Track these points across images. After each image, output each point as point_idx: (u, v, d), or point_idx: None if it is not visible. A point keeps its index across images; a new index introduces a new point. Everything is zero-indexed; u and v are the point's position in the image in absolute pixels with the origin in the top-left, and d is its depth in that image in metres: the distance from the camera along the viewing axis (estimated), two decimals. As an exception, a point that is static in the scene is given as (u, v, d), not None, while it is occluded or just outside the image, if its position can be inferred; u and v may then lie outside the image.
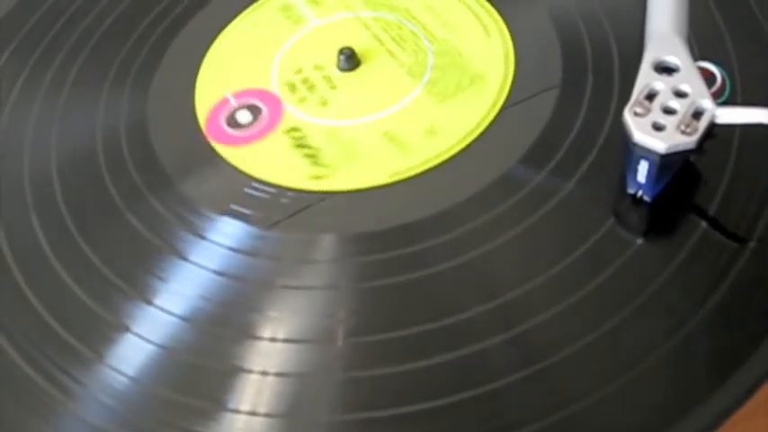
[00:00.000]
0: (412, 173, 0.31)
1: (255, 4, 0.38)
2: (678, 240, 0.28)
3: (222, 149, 0.33)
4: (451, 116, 0.33)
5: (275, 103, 0.34)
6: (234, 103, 0.34)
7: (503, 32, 0.35)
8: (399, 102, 0.34)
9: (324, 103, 0.34)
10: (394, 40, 0.36)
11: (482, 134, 0.32)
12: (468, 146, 0.31)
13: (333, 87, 0.35)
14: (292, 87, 0.35)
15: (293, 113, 0.34)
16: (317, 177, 0.31)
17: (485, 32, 0.35)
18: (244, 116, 0.34)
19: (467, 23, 0.36)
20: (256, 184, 0.32)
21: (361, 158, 0.32)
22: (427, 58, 0.35)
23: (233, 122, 0.34)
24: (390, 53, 0.35)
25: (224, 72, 0.36)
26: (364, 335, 0.27)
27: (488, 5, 0.36)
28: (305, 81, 0.35)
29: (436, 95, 0.33)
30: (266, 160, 0.32)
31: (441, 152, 0.31)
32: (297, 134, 0.33)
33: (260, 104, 0.34)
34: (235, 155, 0.33)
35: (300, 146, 0.33)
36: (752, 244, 0.27)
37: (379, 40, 0.36)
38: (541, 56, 0.34)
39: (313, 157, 0.32)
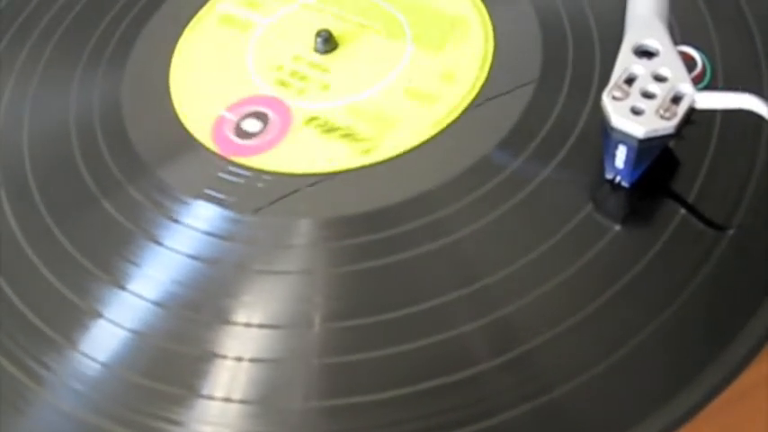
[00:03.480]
0: (388, 156, 0.31)
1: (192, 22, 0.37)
2: (656, 227, 0.28)
3: (246, 161, 0.32)
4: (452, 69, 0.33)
5: (277, 104, 0.33)
6: (233, 116, 0.33)
7: (485, 23, 0.35)
8: (399, 63, 0.34)
9: (325, 88, 0.34)
10: (356, 14, 0.36)
11: (459, 118, 0.31)
12: (446, 130, 0.31)
13: (325, 71, 0.34)
14: (284, 83, 0.34)
15: (301, 106, 0.33)
16: (366, 151, 0.31)
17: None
18: (251, 125, 0.33)
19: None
20: (232, 168, 0.31)
21: (397, 122, 0.32)
22: (397, 18, 0.35)
23: (243, 134, 0.32)
24: (361, 26, 0.35)
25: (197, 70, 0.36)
26: (340, 320, 0.27)
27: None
28: (293, 74, 0.34)
29: (427, 46, 0.34)
30: (301, 153, 0.32)
31: (416, 136, 0.31)
32: (319, 121, 0.32)
33: (262, 109, 0.33)
34: (263, 160, 0.31)
35: (330, 130, 0.32)
36: (731, 232, 0.27)
37: (342, 18, 0.36)
38: (521, 42, 0.33)
39: (350, 135, 0.32)
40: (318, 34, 0.34)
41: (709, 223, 0.28)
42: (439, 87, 0.32)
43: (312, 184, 0.30)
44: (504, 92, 0.32)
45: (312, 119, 0.33)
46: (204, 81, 0.35)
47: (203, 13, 0.37)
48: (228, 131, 0.32)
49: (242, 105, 0.33)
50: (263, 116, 0.33)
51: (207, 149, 0.32)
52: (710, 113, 0.29)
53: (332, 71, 0.34)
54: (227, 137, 0.32)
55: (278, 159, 0.31)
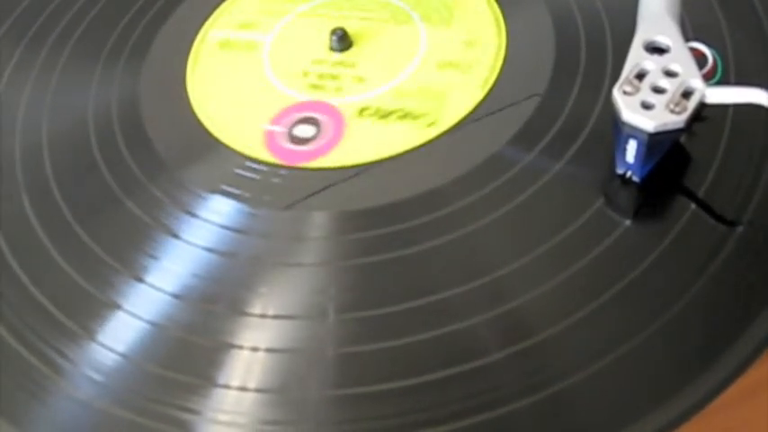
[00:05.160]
0: (401, 151, 0.31)
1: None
2: (667, 222, 0.28)
3: (315, 163, 0.32)
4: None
5: (321, 106, 0.34)
6: (281, 128, 0.33)
7: (498, 21, 0.35)
8: (419, 45, 0.34)
9: (360, 80, 0.34)
10: (356, 8, 0.36)
11: (472, 114, 0.32)
12: (459, 125, 0.31)
13: (351, 66, 0.35)
14: (317, 87, 0.34)
15: (346, 102, 0.33)
16: (430, 124, 0.32)
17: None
18: (304, 131, 0.33)
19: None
20: (248, 163, 0.32)
21: (445, 92, 0.33)
22: (399, 5, 0.36)
23: (298, 141, 0.32)
24: (365, 18, 0.36)
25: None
26: (354, 311, 0.27)
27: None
28: (322, 76, 0.35)
29: (437, 22, 0.34)
30: (370, 141, 0.32)
31: (432, 130, 0.31)
32: (371, 110, 0.33)
33: (310, 114, 0.33)
34: (331, 159, 0.32)
35: (385, 115, 0.32)
36: (741, 228, 0.27)
37: (345, 18, 0.36)
38: (534, 38, 0.34)
39: (408, 115, 0.32)
40: (333, 33, 0.35)
41: (719, 219, 0.28)
42: (465, 55, 0.33)
43: (328, 187, 0.31)
44: (513, 101, 0.32)
45: (363, 109, 0.33)
46: (226, 92, 0.35)
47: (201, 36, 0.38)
48: (283, 142, 0.32)
49: (285, 116, 0.33)
50: (313, 120, 0.33)
51: (226, 146, 0.32)
52: (722, 110, 0.29)
53: (358, 65, 0.35)
54: (283, 147, 0.32)
55: (346, 154, 0.32)
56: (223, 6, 0.38)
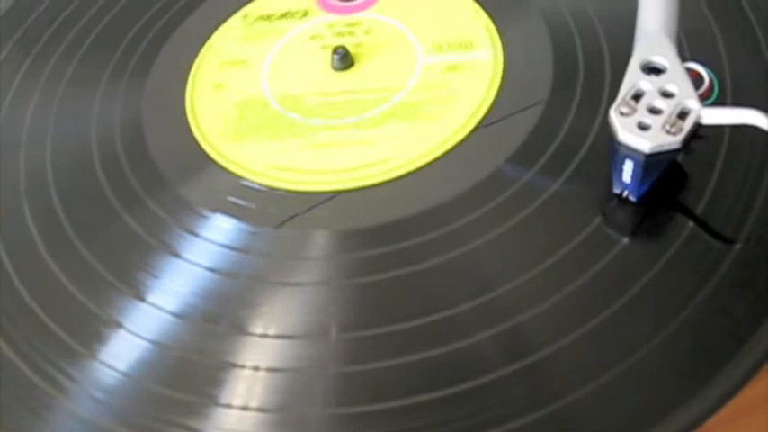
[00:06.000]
0: (401, 171, 0.31)
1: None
2: (665, 240, 0.28)
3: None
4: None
5: None
6: None
7: (495, 40, 0.36)
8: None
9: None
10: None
11: (471, 133, 0.32)
12: (458, 145, 0.32)
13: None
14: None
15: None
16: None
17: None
18: None
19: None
20: (248, 183, 0.32)
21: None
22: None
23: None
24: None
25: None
26: (355, 330, 0.27)
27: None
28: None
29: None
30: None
31: (430, 150, 0.32)
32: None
33: None
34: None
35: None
36: (738, 245, 0.27)
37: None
38: (532, 62, 0.34)
39: None
40: (335, 51, 0.35)
41: (717, 236, 0.28)
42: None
43: (327, 200, 0.31)
44: (514, 111, 0.32)
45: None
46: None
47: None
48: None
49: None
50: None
51: (221, 166, 0.33)
52: (719, 128, 0.29)
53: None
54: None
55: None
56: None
